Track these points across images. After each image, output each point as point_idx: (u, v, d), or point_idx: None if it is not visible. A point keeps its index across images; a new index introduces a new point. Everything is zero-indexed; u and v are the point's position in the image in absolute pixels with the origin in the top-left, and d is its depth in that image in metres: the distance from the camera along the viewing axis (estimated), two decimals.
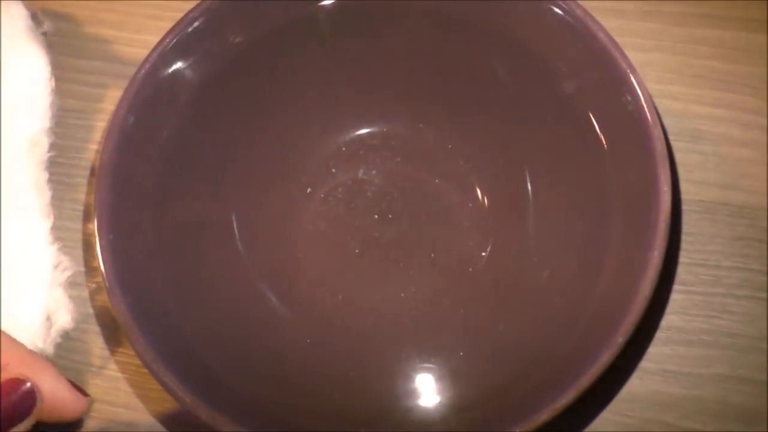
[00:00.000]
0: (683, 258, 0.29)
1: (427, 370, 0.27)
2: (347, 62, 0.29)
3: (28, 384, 0.21)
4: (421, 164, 0.30)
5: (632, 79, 0.24)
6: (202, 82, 0.27)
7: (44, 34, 0.34)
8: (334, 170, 0.31)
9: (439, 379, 0.26)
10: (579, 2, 0.26)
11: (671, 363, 0.28)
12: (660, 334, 0.28)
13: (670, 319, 0.29)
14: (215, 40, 0.27)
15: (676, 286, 0.29)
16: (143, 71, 0.26)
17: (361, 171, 0.30)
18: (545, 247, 0.27)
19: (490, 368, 0.26)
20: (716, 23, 0.32)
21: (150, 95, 0.26)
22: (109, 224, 0.24)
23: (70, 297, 0.30)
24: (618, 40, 0.32)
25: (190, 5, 0.28)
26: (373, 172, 0.30)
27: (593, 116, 0.25)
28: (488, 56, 0.28)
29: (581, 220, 0.26)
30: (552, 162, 0.28)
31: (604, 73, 0.25)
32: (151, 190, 0.26)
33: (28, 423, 0.21)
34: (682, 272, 0.29)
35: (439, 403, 0.26)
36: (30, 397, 0.21)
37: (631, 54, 0.32)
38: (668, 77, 0.32)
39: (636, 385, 0.28)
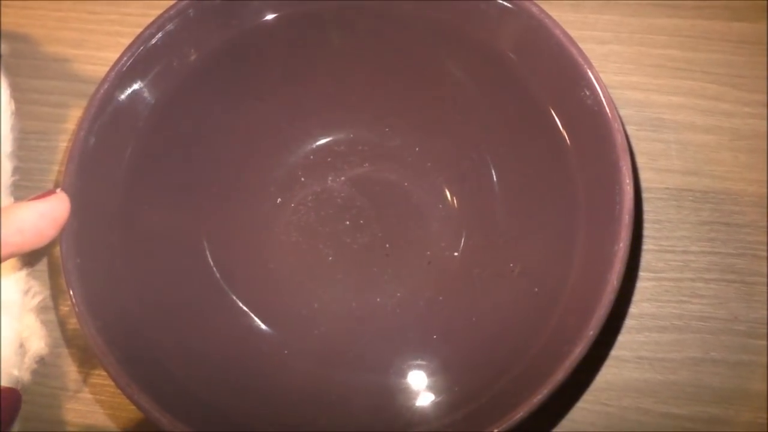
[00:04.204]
0: (652, 245, 0.30)
1: (409, 372, 0.27)
2: (308, 70, 0.29)
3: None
4: (390, 168, 0.30)
5: (590, 74, 0.24)
6: (162, 99, 0.27)
7: (0, 56, 0.34)
8: (303, 179, 0.30)
9: (420, 380, 0.27)
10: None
11: (645, 350, 0.28)
12: (633, 322, 0.29)
13: (642, 306, 0.29)
14: (173, 55, 0.27)
15: (646, 274, 0.29)
16: (102, 91, 0.25)
17: (330, 178, 0.30)
18: (515, 243, 0.27)
19: (470, 366, 0.26)
20: (673, 12, 0.33)
21: (110, 115, 0.25)
22: (75, 248, 0.24)
23: (42, 322, 0.30)
24: (576, 33, 0.32)
25: (149, 20, 0.28)
26: (342, 178, 0.30)
27: (554, 112, 0.26)
28: (447, 56, 0.28)
29: (549, 214, 0.26)
30: (517, 159, 0.28)
31: (562, 70, 0.25)
32: (117, 211, 0.26)
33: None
34: (651, 259, 0.29)
35: (421, 404, 0.26)
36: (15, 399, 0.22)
37: (589, 46, 0.32)
38: (628, 68, 0.32)
39: (612, 373, 0.28)
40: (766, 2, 0.32)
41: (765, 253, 0.29)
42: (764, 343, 0.28)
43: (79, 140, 0.25)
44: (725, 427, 0.27)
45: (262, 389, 0.26)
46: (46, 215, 0.23)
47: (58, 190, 0.24)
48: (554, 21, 0.25)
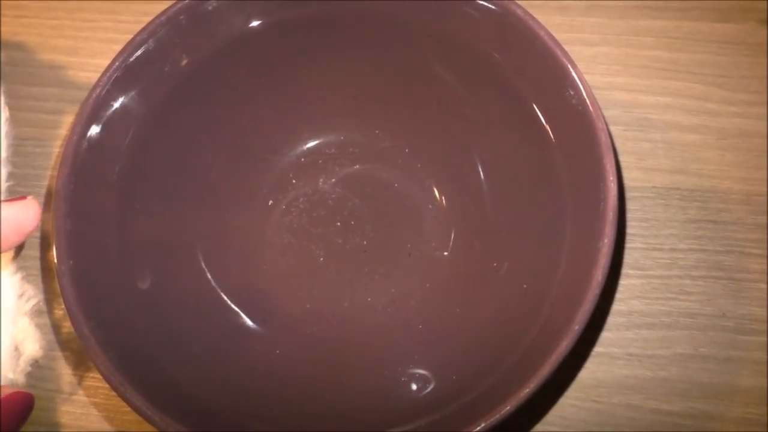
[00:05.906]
0: (640, 243, 0.30)
1: (400, 369, 0.27)
2: (297, 74, 0.30)
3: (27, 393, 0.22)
4: (380, 170, 0.30)
5: (574, 74, 0.25)
6: (154, 104, 0.27)
7: None
8: (294, 181, 0.31)
9: (412, 377, 0.27)
10: (521, 1, 0.26)
11: (635, 346, 0.29)
12: (622, 319, 0.29)
13: (631, 303, 0.29)
14: (165, 61, 0.27)
15: (634, 272, 0.30)
16: (94, 96, 0.26)
17: (321, 180, 0.31)
18: (504, 241, 0.28)
19: (462, 362, 0.26)
20: (658, 14, 0.33)
21: (102, 120, 0.26)
22: (69, 250, 0.24)
23: (37, 325, 0.30)
24: (564, 36, 0.33)
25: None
26: (333, 180, 0.31)
27: (539, 111, 0.26)
28: (434, 57, 0.28)
29: (536, 212, 0.27)
30: (504, 158, 0.28)
31: (547, 70, 0.25)
32: (110, 213, 0.26)
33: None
34: (639, 257, 0.30)
35: (412, 401, 0.26)
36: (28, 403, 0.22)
37: (577, 49, 0.33)
38: (615, 69, 0.32)
39: (602, 370, 0.29)
40: (750, 3, 0.33)
41: (752, 250, 0.29)
42: (752, 338, 0.28)
43: (72, 144, 0.25)
44: (715, 422, 0.28)
45: (256, 389, 0.26)
46: (8, 219, 0.23)
47: (29, 197, 0.23)
48: (538, 22, 0.25)
